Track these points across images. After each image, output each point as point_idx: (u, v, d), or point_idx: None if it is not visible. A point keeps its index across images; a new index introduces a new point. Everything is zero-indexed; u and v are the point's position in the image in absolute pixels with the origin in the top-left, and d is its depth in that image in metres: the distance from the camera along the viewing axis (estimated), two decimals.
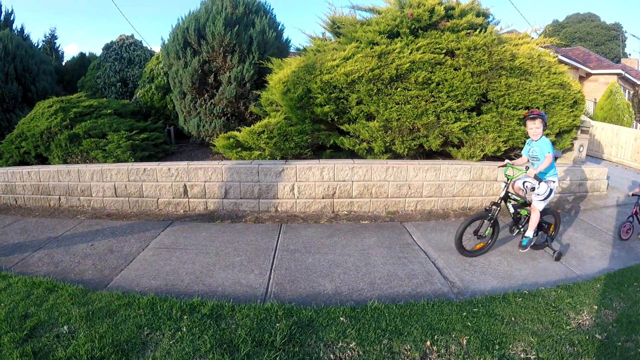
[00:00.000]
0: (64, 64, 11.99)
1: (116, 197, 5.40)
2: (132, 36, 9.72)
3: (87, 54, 11.49)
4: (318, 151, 5.81)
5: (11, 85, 7.70)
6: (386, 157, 5.58)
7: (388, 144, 5.43)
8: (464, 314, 2.76)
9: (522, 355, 2.35)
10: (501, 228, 4.13)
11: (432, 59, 5.28)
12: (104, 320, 2.56)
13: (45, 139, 6.11)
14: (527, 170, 3.58)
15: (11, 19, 10.22)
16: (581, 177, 6.12)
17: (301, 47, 6.91)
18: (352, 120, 5.51)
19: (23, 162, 6.48)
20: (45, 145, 6.15)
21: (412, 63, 5.22)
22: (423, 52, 5.27)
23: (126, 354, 2.24)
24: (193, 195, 5.25)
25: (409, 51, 5.28)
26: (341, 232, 4.50)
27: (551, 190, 3.69)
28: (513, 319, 2.73)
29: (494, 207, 3.77)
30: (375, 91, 5.26)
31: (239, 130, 5.70)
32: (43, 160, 6.39)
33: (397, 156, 5.64)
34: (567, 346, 2.45)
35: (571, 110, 5.83)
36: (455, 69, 5.37)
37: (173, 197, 5.28)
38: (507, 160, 3.86)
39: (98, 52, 11.45)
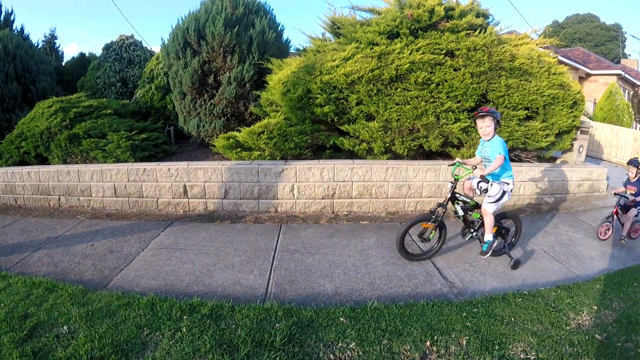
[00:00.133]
0: (63, 64, 11.99)
1: (116, 197, 5.40)
2: (132, 36, 9.73)
3: (87, 54, 11.50)
4: (318, 152, 5.82)
5: (11, 85, 7.71)
6: (386, 158, 5.58)
7: (388, 144, 5.43)
8: (464, 314, 2.76)
9: (521, 356, 2.35)
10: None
11: (431, 60, 5.28)
12: (103, 321, 2.56)
13: (45, 139, 6.11)
14: (474, 170, 3.37)
15: (11, 19, 10.23)
16: (580, 178, 6.12)
17: (301, 48, 6.93)
18: (352, 120, 5.51)
19: (23, 162, 6.48)
20: (45, 145, 6.15)
21: (412, 64, 5.23)
22: (423, 53, 5.28)
23: (126, 354, 2.24)
24: (193, 195, 5.25)
25: (409, 52, 5.28)
26: (341, 232, 4.50)
27: (504, 193, 3.46)
28: (513, 319, 2.73)
29: (439, 208, 3.54)
30: (375, 92, 5.27)
31: (239, 131, 5.70)
32: (43, 161, 6.39)
33: (396, 157, 5.65)
34: (567, 346, 2.45)
35: (571, 110, 5.83)
36: (455, 70, 5.37)
37: (173, 198, 5.28)
38: (457, 159, 3.64)
39: (98, 52, 11.46)
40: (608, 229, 4.53)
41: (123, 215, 5.16)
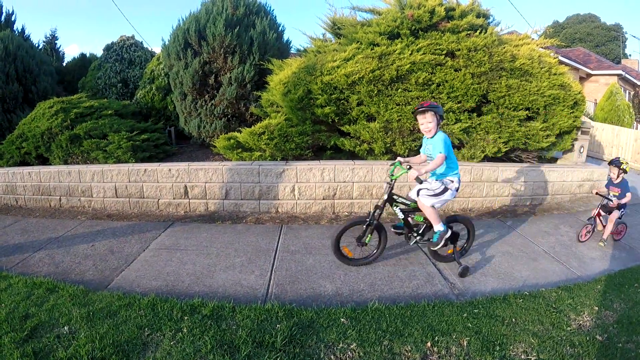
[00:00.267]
0: (64, 64, 12.00)
1: (117, 197, 5.40)
2: (132, 37, 9.72)
3: (87, 55, 11.49)
4: (318, 152, 5.82)
5: (12, 85, 7.72)
6: (387, 158, 5.58)
7: (388, 145, 5.43)
8: (465, 315, 2.76)
9: (522, 357, 2.35)
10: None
11: (432, 60, 5.28)
12: (104, 321, 2.56)
13: (46, 139, 6.12)
14: (409, 170, 3.05)
15: (12, 19, 10.24)
16: (581, 178, 6.12)
17: (302, 48, 6.94)
18: (353, 121, 5.51)
19: (24, 163, 6.49)
20: (46, 145, 6.16)
21: (413, 64, 5.23)
22: (423, 53, 5.28)
23: (127, 355, 2.24)
24: (194, 196, 5.25)
25: (410, 52, 5.29)
26: None
27: (446, 190, 3.25)
28: (514, 320, 2.73)
29: (376, 211, 3.35)
30: (375, 92, 5.27)
31: (240, 131, 5.71)
32: (44, 161, 6.40)
33: (397, 157, 5.64)
34: (568, 347, 2.45)
35: (571, 111, 5.83)
36: (455, 70, 5.37)
37: (174, 198, 5.29)
38: (399, 158, 3.39)
39: (99, 53, 11.44)
40: (589, 231, 4.42)
41: (124, 215, 5.17)
